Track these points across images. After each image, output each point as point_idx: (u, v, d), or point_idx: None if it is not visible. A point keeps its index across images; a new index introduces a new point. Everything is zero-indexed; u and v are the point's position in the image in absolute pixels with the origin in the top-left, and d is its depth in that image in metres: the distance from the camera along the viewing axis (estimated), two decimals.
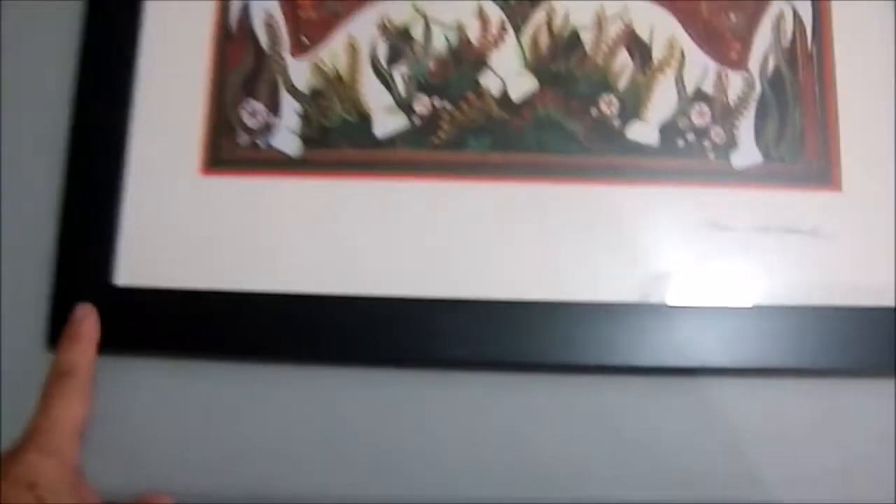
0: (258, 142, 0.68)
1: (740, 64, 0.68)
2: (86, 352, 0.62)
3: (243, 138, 0.68)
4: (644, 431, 0.64)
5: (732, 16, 0.69)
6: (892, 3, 0.69)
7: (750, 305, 0.64)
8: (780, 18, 0.69)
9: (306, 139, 0.68)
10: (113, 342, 0.64)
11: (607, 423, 0.64)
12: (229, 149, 0.68)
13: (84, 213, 0.66)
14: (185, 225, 0.67)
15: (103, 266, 0.66)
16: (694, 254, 0.65)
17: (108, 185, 0.67)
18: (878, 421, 0.64)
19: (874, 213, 0.66)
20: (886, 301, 0.64)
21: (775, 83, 0.68)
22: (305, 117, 0.68)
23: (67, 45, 0.70)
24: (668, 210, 0.66)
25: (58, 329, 0.63)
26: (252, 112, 0.68)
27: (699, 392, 0.65)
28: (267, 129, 0.68)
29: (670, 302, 0.64)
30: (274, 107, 0.68)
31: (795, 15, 0.69)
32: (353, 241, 0.66)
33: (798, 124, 0.67)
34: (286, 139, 0.68)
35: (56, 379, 0.60)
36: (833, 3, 0.69)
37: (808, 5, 0.69)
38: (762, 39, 0.69)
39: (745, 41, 0.69)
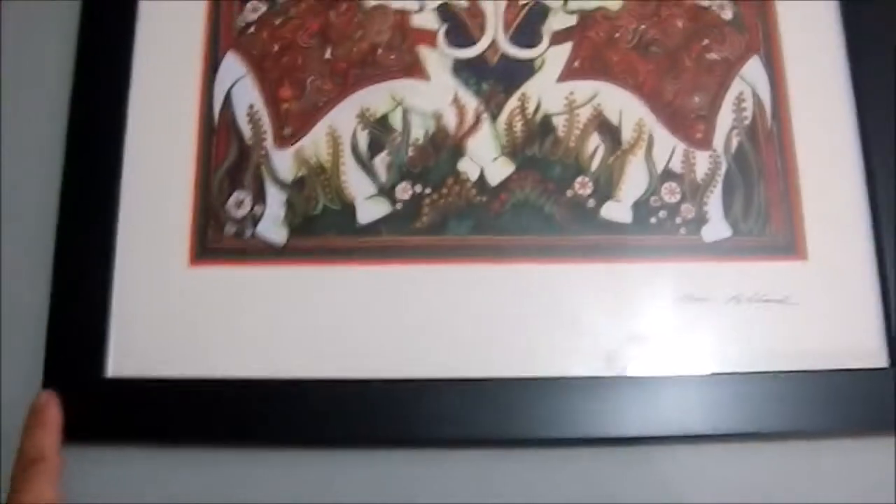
0: (244, 231, 0.69)
1: (706, 143, 0.71)
2: (52, 438, 0.61)
3: (230, 228, 0.69)
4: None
5: (696, 98, 0.72)
6: (847, 73, 0.73)
7: (726, 373, 0.66)
8: (740, 99, 0.72)
9: (291, 228, 0.69)
10: (106, 433, 0.65)
11: (595, 492, 0.66)
12: (216, 239, 0.69)
13: (73, 306, 0.67)
14: (175, 316, 0.68)
15: (94, 359, 0.66)
16: (670, 326, 0.68)
17: (96, 278, 0.68)
18: (860, 480, 0.66)
19: (841, 279, 0.69)
20: (856, 363, 0.67)
21: (739, 160, 0.71)
22: (290, 206, 0.70)
23: (52, 151, 0.71)
24: (645, 285, 0.69)
25: None
26: (238, 202, 0.70)
27: (683, 460, 0.66)
28: (252, 218, 0.70)
29: (650, 373, 0.66)
30: (259, 197, 0.70)
31: (755, 95, 0.73)
32: (339, 326, 0.67)
33: (763, 198, 0.70)
34: (272, 228, 0.70)
35: (26, 466, 0.59)
36: (789, 82, 0.73)
37: (766, 85, 0.73)
38: (725, 119, 0.72)
39: (709, 121, 0.72)
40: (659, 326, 0.68)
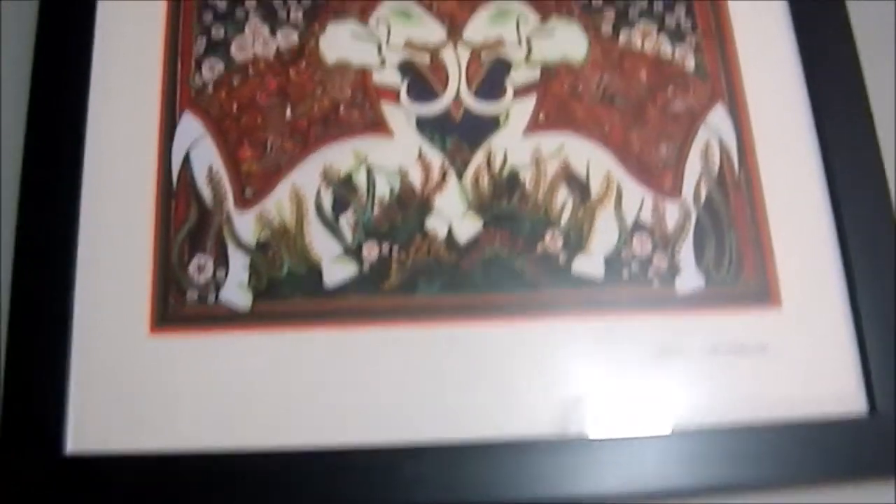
0: (207, 297, 0.67)
1: (674, 193, 0.71)
2: None
3: (192, 294, 0.67)
4: None
5: (663, 148, 0.72)
6: (810, 118, 0.73)
7: (707, 427, 0.65)
8: (707, 147, 0.72)
9: (256, 292, 0.67)
10: None
11: None
12: (177, 306, 0.67)
13: (28, 379, 0.64)
14: (136, 387, 0.65)
15: (52, 435, 0.63)
16: (647, 381, 0.67)
17: (53, 349, 0.65)
18: None
19: (816, 325, 0.69)
20: (836, 410, 0.67)
21: (709, 209, 0.71)
22: (254, 270, 0.68)
23: (5, 216, 0.69)
24: (620, 339, 0.67)
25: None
26: (199, 267, 0.68)
27: None
28: (215, 283, 0.68)
29: (628, 432, 0.65)
30: (221, 261, 0.68)
31: (721, 143, 0.73)
32: (308, 392, 0.65)
33: (735, 247, 0.70)
34: (235, 293, 0.67)
35: None
36: (755, 129, 0.73)
37: (732, 133, 0.73)
38: (693, 168, 0.72)
39: (677, 171, 0.72)
40: (635, 382, 0.67)
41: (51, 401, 0.64)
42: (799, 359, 0.68)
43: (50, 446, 0.63)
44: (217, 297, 0.67)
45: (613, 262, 0.69)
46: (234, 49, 0.73)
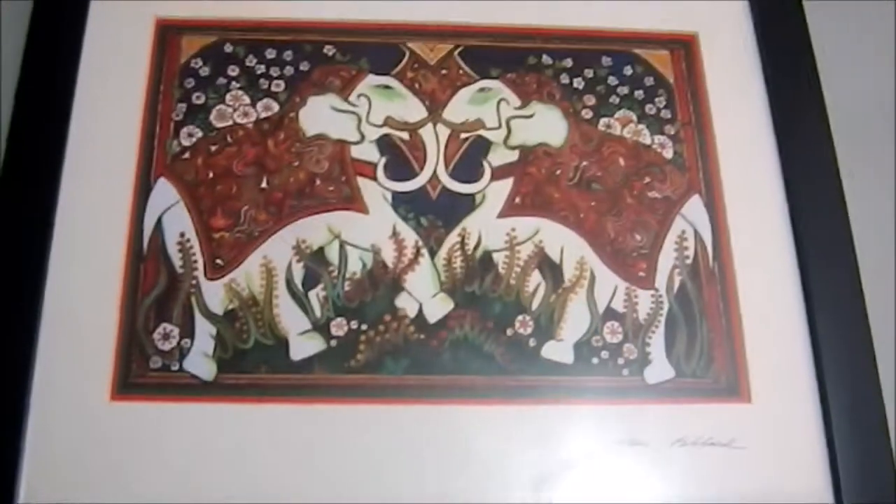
0: (171, 365, 0.66)
1: (648, 282, 0.71)
2: None
3: (155, 361, 0.66)
4: None
5: (637, 236, 0.72)
6: (785, 217, 0.73)
7: None
8: (682, 238, 0.72)
9: (221, 362, 0.67)
10: None
11: None
12: (140, 372, 0.66)
13: None
14: (93, 452, 0.64)
15: (4, 490, 0.62)
16: (613, 471, 0.66)
17: (10, 408, 0.64)
18: None
19: (785, 421, 0.68)
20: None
21: (682, 300, 0.70)
22: (220, 340, 0.67)
23: None
24: (587, 427, 0.67)
25: None
26: (165, 334, 0.67)
27: None
28: (180, 351, 0.67)
29: None
30: (187, 329, 0.67)
31: (696, 234, 0.72)
32: (268, 466, 0.64)
33: (706, 339, 0.69)
34: (199, 363, 0.67)
35: None
36: (730, 221, 0.73)
37: (707, 223, 0.73)
38: (666, 258, 0.72)
39: (651, 260, 0.71)
40: (601, 471, 0.66)
41: (3, 462, 0.63)
42: (767, 454, 0.67)
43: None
44: (181, 365, 0.66)
45: (583, 350, 0.69)
46: (213, 116, 0.73)
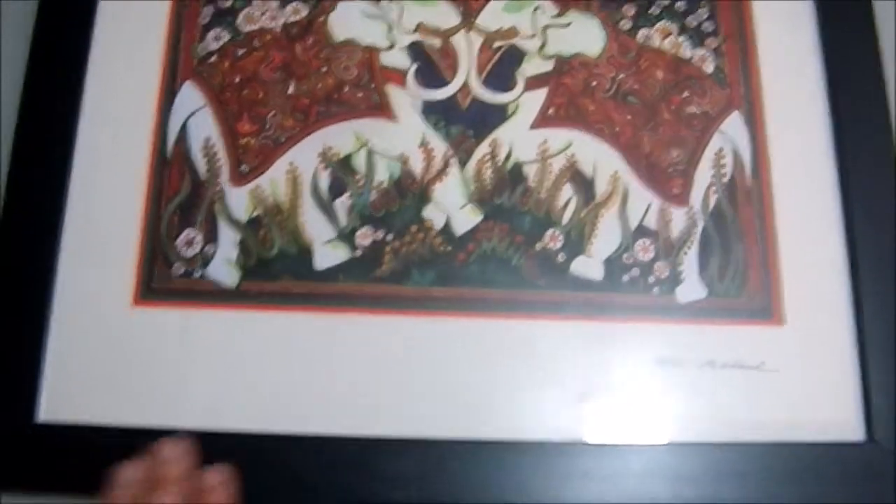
0: (193, 272, 0.65)
1: (682, 199, 0.69)
2: None
3: (178, 268, 0.65)
4: None
5: (674, 151, 0.69)
6: (829, 135, 0.70)
7: (694, 442, 0.63)
8: (719, 155, 0.70)
9: (244, 270, 0.66)
10: (34, 481, 0.61)
11: None
12: (163, 279, 0.65)
13: (4, 343, 0.63)
14: (114, 359, 0.64)
15: (25, 402, 0.62)
16: (640, 390, 0.64)
17: (32, 314, 0.64)
18: None
19: (818, 347, 0.67)
20: (831, 436, 0.64)
21: (717, 218, 0.68)
22: (244, 247, 0.66)
23: None
24: (615, 346, 0.65)
25: None
26: (188, 241, 0.66)
27: None
28: (203, 258, 0.66)
29: (615, 440, 0.63)
30: (211, 236, 0.66)
31: (734, 151, 0.70)
32: (290, 376, 0.64)
33: (741, 259, 0.68)
34: (223, 270, 0.66)
35: None
36: (770, 140, 0.70)
37: (747, 141, 0.70)
38: (703, 175, 0.69)
39: (687, 177, 0.69)
40: (629, 390, 0.65)
41: (26, 367, 0.63)
42: (797, 380, 0.66)
43: (22, 413, 0.62)
44: (204, 272, 0.66)
45: (614, 266, 0.67)
46: (240, 20, 0.71)
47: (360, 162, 0.68)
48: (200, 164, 0.68)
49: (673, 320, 0.66)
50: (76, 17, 0.70)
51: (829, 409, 0.65)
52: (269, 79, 0.70)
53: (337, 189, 0.67)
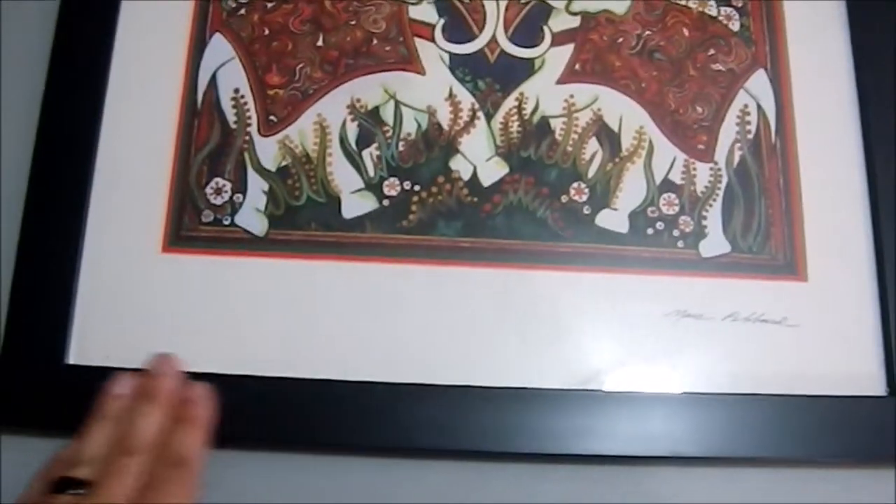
0: (222, 219, 0.66)
1: (707, 155, 0.69)
2: (201, 439, 0.56)
3: (207, 215, 0.66)
4: None
5: (699, 108, 0.70)
6: (853, 93, 0.71)
7: (716, 393, 0.64)
8: (744, 112, 0.70)
9: (272, 218, 0.66)
10: (64, 422, 0.60)
11: None
12: (192, 226, 0.66)
13: (36, 287, 0.64)
14: (143, 304, 0.64)
15: (55, 344, 0.63)
16: (662, 342, 0.65)
17: (62, 258, 0.64)
18: None
19: (840, 302, 0.67)
20: (853, 390, 0.65)
21: (741, 174, 0.69)
22: (272, 196, 0.67)
23: (28, 118, 0.67)
24: (638, 298, 0.66)
25: (9, 410, 0.61)
26: (217, 189, 0.67)
27: (668, 481, 0.64)
28: (232, 206, 0.66)
29: (638, 390, 0.64)
30: (240, 185, 0.67)
31: (759, 108, 0.70)
32: (317, 323, 0.64)
33: (764, 215, 0.68)
34: (251, 218, 0.66)
35: (167, 465, 0.53)
36: (795, 98, 0.71)
37: (771, 99, 0.71)
38: (728, 132, 0.70)
39: (712, 133, 0.70)
40: (651, 342, 0.65)
41: (56, 310, 0.64)
42: (820, 335, 0.66)
43: (52, 355, 0.63)
44: (233, 220, 0.66)
45: (638, 220, 0.67)
46: None
47: (387, 114, 0.69)
48: (230, 115, 0.68)
49: (696, 274, 0.67)
50: None
51: (852, 364, 0.66)
52: (297, 31, 0.70)
53: (365, 140, 0.68)
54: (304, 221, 0.66)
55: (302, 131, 0.68)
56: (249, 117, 0.68)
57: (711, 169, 0.69)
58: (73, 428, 0.61)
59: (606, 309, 0.65)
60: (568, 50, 0.71)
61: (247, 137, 0.68)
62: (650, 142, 0.69)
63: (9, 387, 0.62)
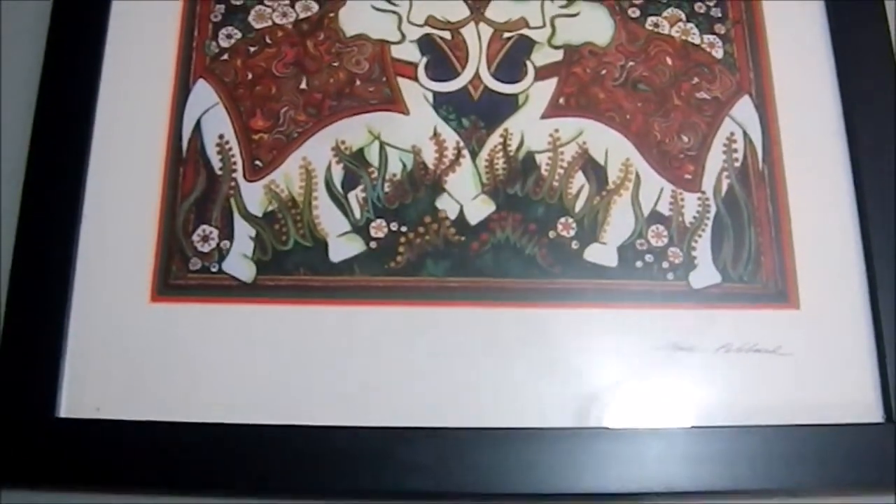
0: (210, 267, 0.66)
1: (694, 185, 0.69)
2: None
3: (194, 263, 0.66)
4: None
5: (685, 137, 0.70)
6: (839, 116, 0.70)
7: (712, 426, 0.63)
8: (730, 140, 0.70)
9: (260, 264, 0.66)
10: (55, 476, 0.61)
11: None
12: (180, 274, 0.66)
13: (25, 339, 0.64)
14: (133, 354, 0.64)
15: (45, 397, 0.63)
16: (655, 376, 0.65)
17: (51, 309, 0.64)
18: None
19: (834, 329, 0.67)
20: (850, 418, 0.64)
21: (729, 203, 0.69)
22: (259, 242, 0.67)
23: (13, 169, 0.68)
24: (630, 332, 0.66)
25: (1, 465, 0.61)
26: (204, 236, 0.67)
27: None
28: (219, 253, 0.66)
29: (632, 426, 0.63)
30: (227, 231, 0.67)
31: (745, 135, 0.70)
32: (307, 368, 0.64)
33: (754, 243, 0.68)
34: (239, 264, 0.66)
35: None
36: (781, 124, 0.71)
37: (758, 125, 0.71)
38: (714, 160, 0.70)
39: (698, 162, 0.69)
40: (644, 376, 0.65)
41: (47, 363, 0.64)
42: (814, 362, 0.66)
43: (42, 409, 0.63)
44: (220, 267, 0.66)
45: (627, 253, 0.67)
46: (252, 17, 0.72)
47: (372, 155, 0.69)
48: (215, 161, 0.68)
49: (687, 306, 0.66)
50: (90, 16, 0.71)
51: (847, 391, 0.65)
52: (281, 74, 0.70)
53: (350, 182, 0.68)
54: (292, 266, 0.66)
55: (287, 175, 0.68)
56: (235, 163, 0.68)
57: (699, 199, 0.69)
58: (62, 481, 0.61)
59: (598, 344, 0.65)
60: (551, 84, 0.70)
61: (233, 183, 0.68)
62: (637, 174, 0.69)
63: (2, 441, 0.61)
